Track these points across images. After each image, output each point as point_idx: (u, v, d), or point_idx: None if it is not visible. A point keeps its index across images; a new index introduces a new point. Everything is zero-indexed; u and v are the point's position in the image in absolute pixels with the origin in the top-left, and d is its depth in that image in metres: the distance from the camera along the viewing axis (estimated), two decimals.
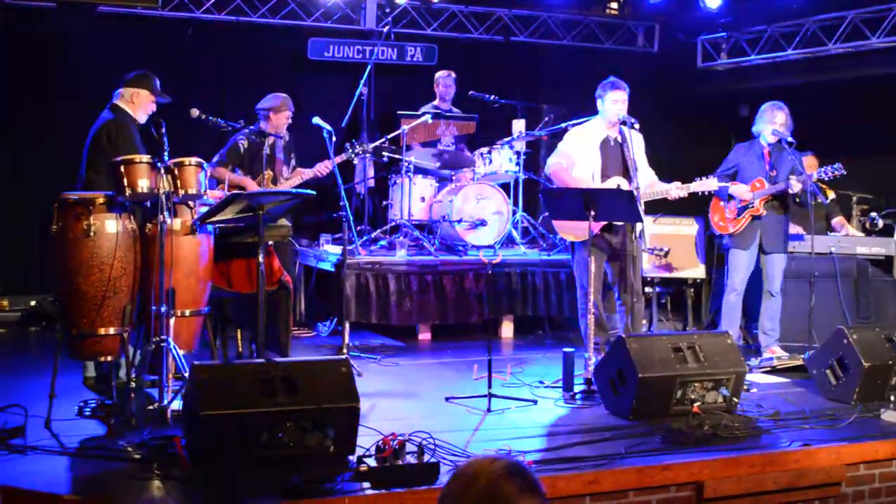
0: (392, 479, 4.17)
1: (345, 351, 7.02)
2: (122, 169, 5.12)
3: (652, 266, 8.12)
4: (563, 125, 7.70)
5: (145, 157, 5.19)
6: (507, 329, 8.49)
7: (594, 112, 6.94)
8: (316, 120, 7.59)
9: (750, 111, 7.99)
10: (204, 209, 5.49)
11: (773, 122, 7.11)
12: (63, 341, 5.23)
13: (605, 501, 4.47)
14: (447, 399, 5.82)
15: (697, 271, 8.09)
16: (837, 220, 8.43)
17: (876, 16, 9.24)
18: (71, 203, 5.14)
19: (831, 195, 8.41)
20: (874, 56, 9.41)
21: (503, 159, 8.76)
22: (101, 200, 5.15)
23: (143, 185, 5.13)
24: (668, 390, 5.39)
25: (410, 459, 4.28)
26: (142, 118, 6.16)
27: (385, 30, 9.58)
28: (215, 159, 7.26)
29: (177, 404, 5.02)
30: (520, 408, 5.69)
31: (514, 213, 8.83)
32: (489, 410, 5.57)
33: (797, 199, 7.12)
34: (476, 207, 8.35)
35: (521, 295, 8.35)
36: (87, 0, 8.70)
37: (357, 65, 9.54)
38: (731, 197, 7.13)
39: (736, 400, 5.56)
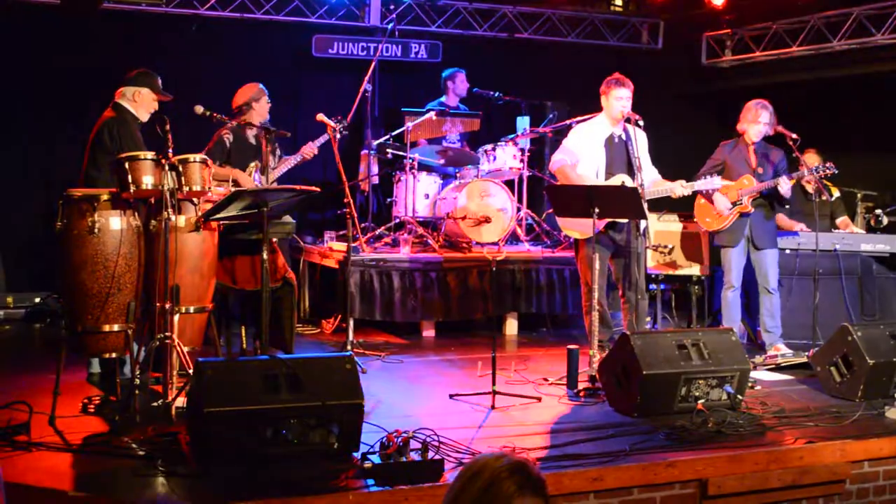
0: (396, 476, 4.17)
1: (349, 348, 7.01)
2: (127, 166, 5.13)
3: (656, 263, 8.12)
4: (568, 122, 7.69)
5: (149, 154, 5.20)
6: (511, 326, 8.49)
7: (599, 109, 6.93)
8: (320, 117, 7.60)
9: None
10: (208, 206, 5.49)
11: (757, 121, 7.13)
12: (67, 338, 5.24)
13: (608, 498, 4.47)
14: (451, 396, 5.82)
15: (701, 268, 8.08)
16: (842, 221, 8.41)
17: (881, 12, 9.22)
18: (76, 200, 5.14)
19: (836, 193, 8.39)
20: (879, 52, 9.39)
21: (507, 156, 8.76)
22: (105, 197, 5.16)
23: (148, 181, 5.14)
24: (672, 387, 5.39)
25: (414, 456, 4.28)
26: (144, 116, 6.17)
27: (389, 27, 9.58)
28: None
29: (181, 401, 5.02)
30: (524, 405, 5.69)
31: (519, 209, 8.83)
32: (493, 407, 5.57)
33: (785, 203, 7.18)
34: (480, 204, 8.34)
35: (525, 292, 8.35)
36: None
37: (361, 62, 9.54)
38: (719, 192, 7.16)
39: (740, 397, 5.55)
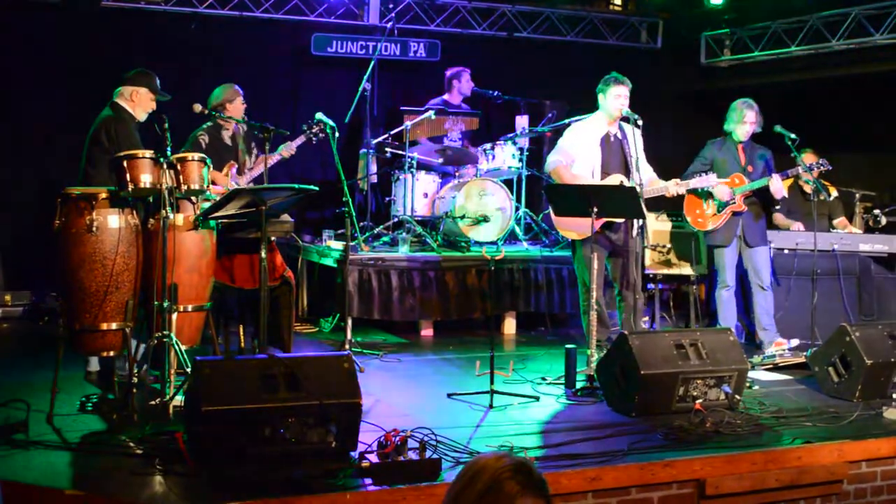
0: (394, 475, 4.17)
1: (347, 347, 7.02)
2: (125, 164, 5.13)
3: (653, 263, 8.12)
4: (567, 121, 7.69)
5: (148, 153, 5.20)
6: (509, 325, 8.49)
7: (597, 108, 6.93)
8: (319, 115, 7.59)
9: None
10: (206, 204, 5.49)
11: (743, 121, 7.15)
12: (66, 336, 5.23)
13: (606, 498, 4.47)
14: (449, 395, 5.83)
15: (699, 268, 8.08)
16: (839, 221, 8.43)
17: (880, 12, 9.23)
18: (74, 198, 5.14)
19: (834, 193, 8.40)
20: (878, 52, 9.39)
21: (506, 155, 8.76)
22: (103, 196, 5.15)
23: (146, 180, 5.14)
24: (670, 387, 5.39)
25: (412, 455, 4.28)
26: (141, 116, 6.18)
27: (388, 25, 9.57)
28: None
29: (179, 399, 5.02)
30: (522, 404, 5.68)
31: (517, 209, 8.83)
32: (491, 407, 5.57)
33: (776, 203, 7.19)
34: (479, 203, 8.34)
35: (524, 291, 8.35)
36: None
37: (360, 60, 9.54)
38: (710, 195, 7.16)
39: (738, 397, 5.56)
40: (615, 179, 6.72)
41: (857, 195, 8.85)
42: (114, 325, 5.17)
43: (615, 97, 6.74)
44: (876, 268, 7.84)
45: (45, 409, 4.97)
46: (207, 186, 5.48)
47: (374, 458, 4.28)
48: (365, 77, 9.02)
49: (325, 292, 8.53)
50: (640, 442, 4.85)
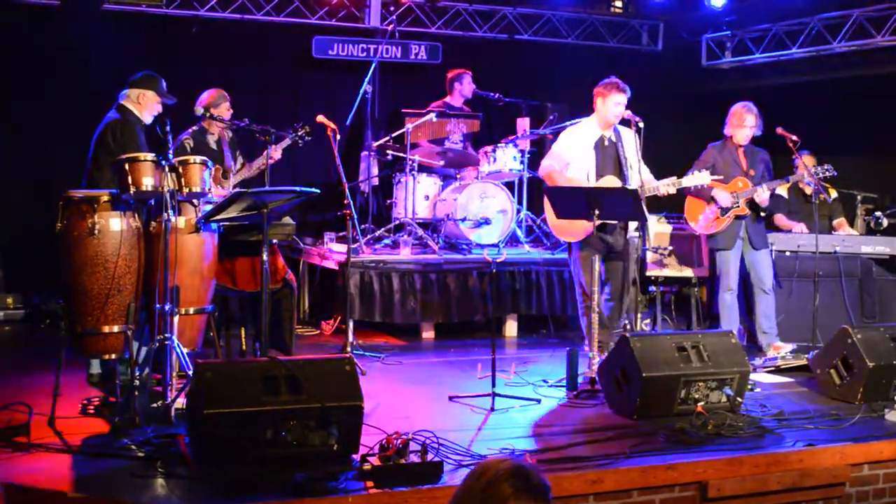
0: (395, 478, 4.17)
1: (348, 349, 7.02)
2: (127, 167, 5.13)
3: (655, 265, 8.11)
4: (567, 123, 7.69)
5: (150, 156, 5.20)
6: (510, 328, 8.49)
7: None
8: (320, 118, 7.59)
9: None
10: (208, 207, 5.49)
11: (743, 125, 7.15)
12: (67, 339, 5.24)
13: (608, 501, 4.47)
14: (451, 398, 5.82)
15: (701, 270, 8.08)
16: (838, 222, 8.43)
17: (881, 14, 9.22)
18: (76, 201, 5.14)
19: (834, 194, 8.40)
20: (879, 54, 9.39)
21: (507, 158, 8.76)
22: (105, 198, 5.15)
23: (148, 183, 5.14)
24: (671, 390, 5.39)
25: (414, 458, 4.28)
26: (147, 119, 6.18)
27: (389, 28, 9.58)
28: None
29: (180, 402, 5.02)
30: (523, 407, 5.68)
31: (519, 211, 8.83)
32: (493, 409, 5.56)
33: (762, 212, 7.20)
34: (480, 206, 8.35)
35: (525, 294, 8.35)
36: None
37: (361, 63, 9.55)
38: (712, 199, 7.15)
39: (740, 399, 5.55)
40: (609, 181, 6.71)
41: (859, 197, 8.85)
42: (115, 328, 5.17)
43: (615, 104, 6.70)
44: (878, 270, 7.85)
45: (46, 412, 4.97)
46: (209, 189, 5.48)
47: (375, 460, 4.28)
48: (366, 79, 9.04)
49: (327, 295, 8.53)
50: (641, 444, 4.85)
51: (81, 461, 4.52)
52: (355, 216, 7.63)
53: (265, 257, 5.35)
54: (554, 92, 10.11)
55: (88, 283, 5.10)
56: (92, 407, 5.30)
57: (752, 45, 10.69)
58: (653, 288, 8.22)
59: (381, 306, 7.91)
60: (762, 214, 7.27)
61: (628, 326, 6.71)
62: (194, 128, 7.13)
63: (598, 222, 6.41)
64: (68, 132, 8.26)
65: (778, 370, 6.80)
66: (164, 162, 5.14)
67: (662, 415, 5.36)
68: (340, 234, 8.41)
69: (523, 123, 9.42)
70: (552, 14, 10.75)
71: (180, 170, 5.26)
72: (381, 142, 8.97)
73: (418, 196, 8.65)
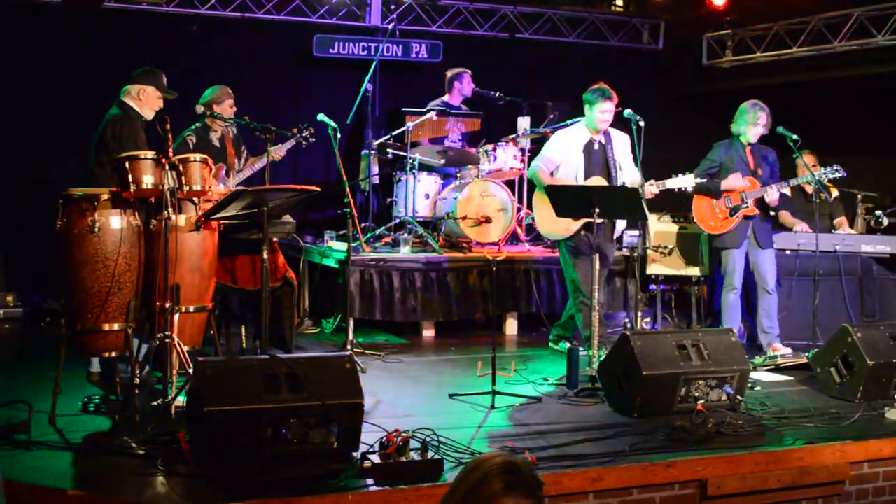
0: (396, 476, 4.17)
1: (349, 347, 7.02)
2: (127, 165, 5.13)
3: (656, 264, 8.12)
4: (568, 122, 7.70)
5: (150, 154, 5.20)
6: (511, 326, 8.49)
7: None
8: (321, 116, 7.59)
9: None
10: (209, 205, 5.49)
11: (756, 123, 7.12)
12: (68, 337, 5.23)
13: (608, 498, 4.47)
14: (451, 396, 5.83)
15: (701, 269, 8.08)
16: (839, 221, 8.43)
17: (882, 13, 9.23)
18: (76, 199, 5.14)
19: (835, 193, 8.40)
20: (880, 53, 9.39)
21: (508, 156, 8.77)
22: (105, 196, 5.15)
23: (148, 181, 5.14)
24: (671, 388, 5.39)
25: (414, 456, 4.28)
26: (148, 115, 6.18)
27: (390, 27, 9.58)
28: None
29: (181, 400, 5.02)
30: (524, 405, 5.69)
31: (519, 210, 8.83)
32: (493, 407, 5.57)
33: (771, 211, 7.19)
34: (480, 204, 8.34)
35: (525, 292, 8.35)
36: None
37: (362, 62, 9.54)
38: (723, 194, 7.15)
39: (740, 398, 5.56)
40: (596, 181, 6.78)
41: (859, 196, 8.85)
42: (116, 326, 5.17)
43: (601, 112, 6.84)
44: (878, 269, 7.85)
45: (47, 410, 4.96)
46: (209, 187, 5.47)
47: (375, 458, 4.28)
48: (367, 78, 9.03)
49: (327, 293, 8.53)
50: (641, 442, 4.86)
51: (82, 459, 4.52)
52: (356, 214, 7.62)
53: (265, 255, 5.35)
54: (554, 91, 10.10)
55: (89, 281, 5.10)
56: (92, 405, 5.30)
57: (752, 44, 10.69)
58: (653, 286, 8.23)
59: (381, 304, 7.91)
60: (771, 214, 7.27)
61: (628, 325, 6.73)
62: (197, 124, 7.13)
63: (582, 221, 6.45)
64: (68, 131, 8.27)
65: (778, 368, 6.80)
66: (163, 160, 5.13)
67: (662, 413, 5.36)
68: (341, 232, 8.40)
69: (524, 122, 9.41)
70: (553, 13, 10.74)
71: (180, 167, 5.26)
72: (382, 140, 8.97)
73: (419, 194, 8.65)
